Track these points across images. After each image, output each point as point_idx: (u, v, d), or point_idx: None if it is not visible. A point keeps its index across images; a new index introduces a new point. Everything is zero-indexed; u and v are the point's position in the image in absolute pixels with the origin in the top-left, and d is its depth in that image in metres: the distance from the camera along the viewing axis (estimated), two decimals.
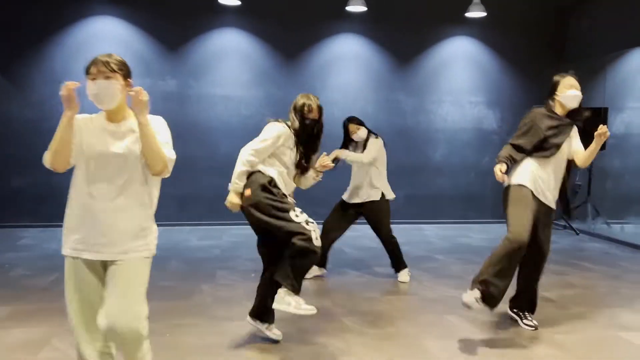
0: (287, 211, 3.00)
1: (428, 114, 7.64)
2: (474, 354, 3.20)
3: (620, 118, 7.45)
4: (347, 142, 4.64)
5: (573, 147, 3.50)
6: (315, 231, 2.98)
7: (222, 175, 6.90)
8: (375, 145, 4.58)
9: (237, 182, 3.12)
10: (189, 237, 6.47)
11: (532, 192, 3.40)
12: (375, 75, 7.47)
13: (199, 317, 3.71)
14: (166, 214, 7.02)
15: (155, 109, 7.17)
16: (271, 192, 3.05)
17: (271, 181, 3.10)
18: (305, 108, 3.22)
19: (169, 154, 2.26)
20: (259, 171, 3.12)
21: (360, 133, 4.54)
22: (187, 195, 7.11)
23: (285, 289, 2.99)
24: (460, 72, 7.68)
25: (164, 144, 2.26)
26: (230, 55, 7.15)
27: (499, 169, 3.32)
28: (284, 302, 2.99)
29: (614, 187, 7.73)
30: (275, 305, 3.03)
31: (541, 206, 3.45)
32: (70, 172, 2.28)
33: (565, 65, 7.60)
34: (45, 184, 6.43)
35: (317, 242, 2.97)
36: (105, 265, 2.24)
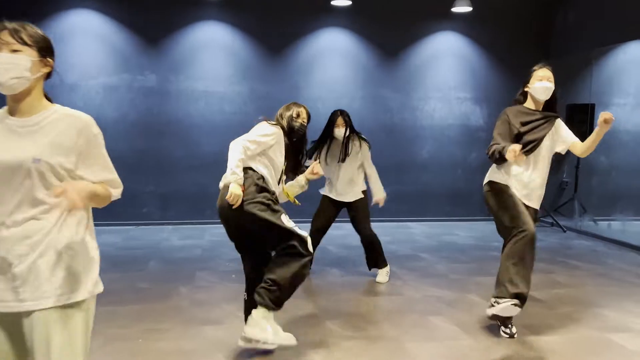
0: (280, 214, 2.85)
1: (414, 110, 7.54)
2: (458, 357, 3.09)
3: None
4: (327, 135, 4.48)
5: (563, 139, 3.37)
6: (309, 238, 2.87)
7: (205, 174, 6.94)
8: (368, 152, 4.52)
9: (236, 172, 2.82)
10: (169, 236, 6.30)
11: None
12: (361, 70, 7.34)
13: (174, 321, 3.56)
14: (147, 213, 6.90)
15: (135, 104, 7.08)
16: (267, 190, 2.90)
17: (263, 179, 2.95)
18: (294, 113, 3.22)
19: (116, 192, 1.78)
20: (251, 168, 2.94)
21: (341, 131, 4.41)
22: (169, 194, 6.94)
23: (263, 309, 2.79)
24: (447, 67, 7.58)
25: (109, 182, 1.74)
26: (212, 50, 6.97)
27: (514, 148, 3.00)
28: (259, 326, 2.78)
29: (601, 183, 7.70)
30: (247, 331, 2.80)
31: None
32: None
33: (551, 60, 7.57)
34: None
35: (311, 250, 2.89)
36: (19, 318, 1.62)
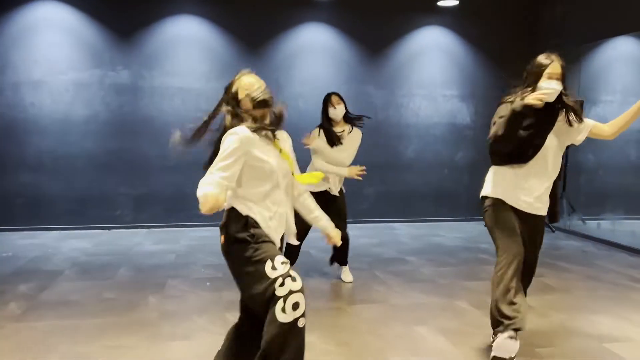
0: (263, 262, 2.18)
1: (399, 107, 7.30)
2: None
3: (594, 111, 7.24)
4: (326, 122, 4.18)
5: (578, 127, 2.92)
6: (297, 293, 2.13)
7: (180, 174, 6.52)
8: (357, 142, 4.25)
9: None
10: (143, 241, 5.98)
11: (511, 206, 2.93)
12: (344, 67, 7.08)
13: (139, 336, 3.27)
14: (120, 216, 6.57)
15: (106, 102, 6.71)
16: (244, 241, 2.22)
17: (246, 223, 2.25)
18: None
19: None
20: (234, 209, 2.28)
21: (339, 110, 4.11)
22: (143, 195, 6.62)
23: None
24: (433, 63, 7.35)
25: None
26: (188, 45, 6.65)
27: (536, 97, 2.63)
28: None
29: (588, 182, 7.54)
30: None
31: (528, 218, 2.95)
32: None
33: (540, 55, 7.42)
34: None
35: (293, 315, 2.11)
36: None
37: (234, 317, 3.52)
